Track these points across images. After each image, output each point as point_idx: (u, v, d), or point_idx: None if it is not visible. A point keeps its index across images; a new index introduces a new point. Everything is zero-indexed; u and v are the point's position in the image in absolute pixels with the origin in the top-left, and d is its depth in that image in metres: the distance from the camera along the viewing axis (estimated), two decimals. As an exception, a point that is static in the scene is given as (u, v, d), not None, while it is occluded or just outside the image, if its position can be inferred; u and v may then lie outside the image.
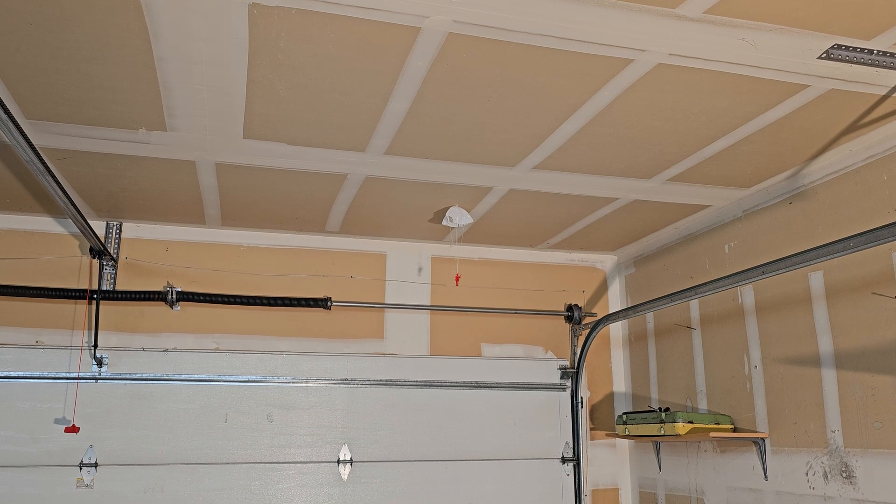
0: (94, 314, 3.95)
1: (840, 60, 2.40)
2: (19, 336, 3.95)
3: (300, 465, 4.08)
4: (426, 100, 2.69)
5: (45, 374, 3.86)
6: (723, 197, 3.78)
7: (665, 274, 4.50)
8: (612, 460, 4.70)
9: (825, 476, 3.22)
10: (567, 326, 4.84)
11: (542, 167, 3.36)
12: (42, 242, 4.07)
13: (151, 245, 4.23)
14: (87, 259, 4.08)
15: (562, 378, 4.64)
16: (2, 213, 4.01)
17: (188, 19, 2.20)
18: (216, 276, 4.28)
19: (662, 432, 3.79)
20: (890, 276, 3.00)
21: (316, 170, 3.39)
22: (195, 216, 4.09)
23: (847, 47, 2.34)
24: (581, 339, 4.75)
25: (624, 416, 4.16)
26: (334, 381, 4.25)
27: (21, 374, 3.83)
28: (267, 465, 4.03)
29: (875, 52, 2.36)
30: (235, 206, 3.92)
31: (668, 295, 3.65)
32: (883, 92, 2.64)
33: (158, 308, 4.16)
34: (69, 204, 3.08)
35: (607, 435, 4.66)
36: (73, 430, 3.76)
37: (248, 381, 4.12)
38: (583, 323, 4.76)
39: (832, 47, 2.34)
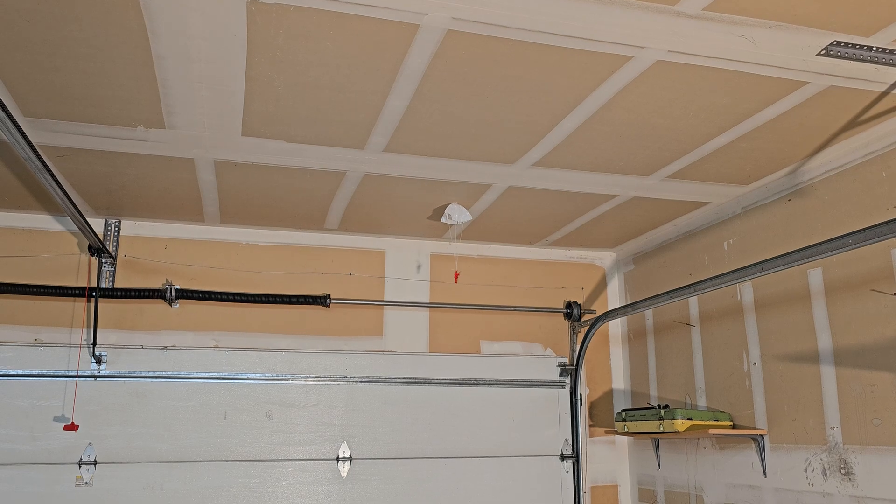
0: (92, 312, 3.95)
1: (839, 57, 2.40)
2: (18, 334, 3.94)
3: (299, 462, 4.08)
4: (425, 97, 2.69)
5: (44, 371, 3.86)
6: (722, 194, 3.78)
7: (664, 271, 4.50)
8: (611, 457, 4.71)
9: (824, 473, 3.23)
10: (566, 323, 4.84)
11: (541, 164, 3.36)
12: (41, 240, 4.07)
13: (150, 243, 4.23)
14: (85, 257, 4.08)
15: (561, 375, 4.64)
16: (0, 211, 4.01)
17: (186, 17, 2.20)
18: (215, 273, 4.28)
19: (661, 429, 3.79)
20: (889, 272, 3.00)
21: (315, 167, 3.39)
22: (194, 214, 4.08)
23: (846, 44, 2.34)
24: (580, 337, 4.75)
25: (623, 413, 4.17)
26: (333, 379, 4.26)
27: (20, 371, 3.83)
28: (266, 462, 4.03)
29: (874, 48, 2.36)
30: (234, 204, 3.92)
31: (668, 292, 3.65)
32: (882, 89, 2.64)
33: (157, 306, 4.16)
34: (68, 202, 3.08)
35: (606, 432, 4.67)
36: (72, 427, 3.76)
37: (248, 379, 4.13)
38: (582, 320, 4.77)
39: (831, 44, 2.34)
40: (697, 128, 2.98)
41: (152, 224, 4.24)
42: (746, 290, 3.79)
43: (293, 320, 4.35)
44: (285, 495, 4.03)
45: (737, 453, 3.76)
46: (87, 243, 4.03)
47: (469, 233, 4.47)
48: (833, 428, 3.21)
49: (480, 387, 4.48)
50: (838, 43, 2.33)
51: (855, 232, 2.54)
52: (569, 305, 4.81)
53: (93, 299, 3.96)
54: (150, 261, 4.21)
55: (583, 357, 4.59)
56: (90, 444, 3.83)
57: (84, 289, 3.95)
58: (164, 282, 4.18)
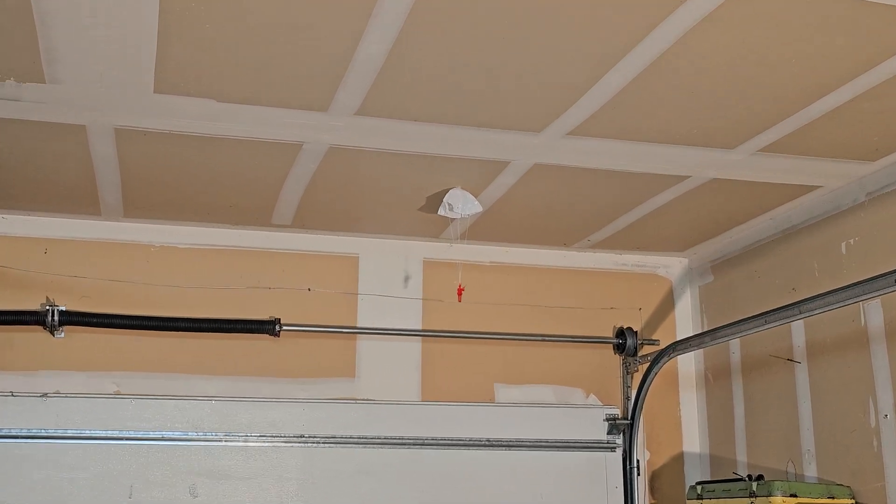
0: (-58, 344, 3.96)
1: None
2: None
3: (237, 558, 4.10)
4: (413, 38, 2.70)
5: None
6: (838, 174, 3.79)
7: (755, 284, 4.51)
8: (681, 550, 4.72)
9: (985, 572, 3.23)
10: (617, 359, 4.85)
11: (580, 133, 3.37)
12: None
13: (24, 244, 4.24)
14: (-69, 266, 4.10)
15: (610, 433, 4.65)
16: None
17: (74, -76, 2.21)
18: (116, 288, 4.28)
19: (753, 510, 3.80)
20: None
21: (258, 137, 3.40)
22: (86, 204, 4.10)
23: None
24: (637, 378, 4.76)
25: (698, 488, 4.17)
26: (285, 439, 4.26)
27: None
28: (189, 558, 4.04)
29: None
30: (143, 190, 3.93)
31: (761, 314, 3.65)
32: None
33: (34, 335, 4.16)
34: None
35: (675, 514, 4.69)
36: None
37: (163, 440, 4.13)
38: (639, 354, 4.78)
39: None
40: (803, 79, 2.98)
41: (26, 218, 4.25)
42: (874, 312, 3.79)
43: (228, 356, 4.36)
44: None
45: (860, 544, 3.76)
46: (-67, 246, 4.04)
47: (478, 230, 4.48)
48: None
49: (495, 450, 4.48)
50: None
51: None
52: (621, 333, 4.82)
53: (-58, 326, 3.97)
54: (24, 271, 4.22)
55: (641, 407, 4.59)
56: (-62, 533, 3.84)
57: (-71, 311, 3.96)
58: (44, 301, 4.18)
